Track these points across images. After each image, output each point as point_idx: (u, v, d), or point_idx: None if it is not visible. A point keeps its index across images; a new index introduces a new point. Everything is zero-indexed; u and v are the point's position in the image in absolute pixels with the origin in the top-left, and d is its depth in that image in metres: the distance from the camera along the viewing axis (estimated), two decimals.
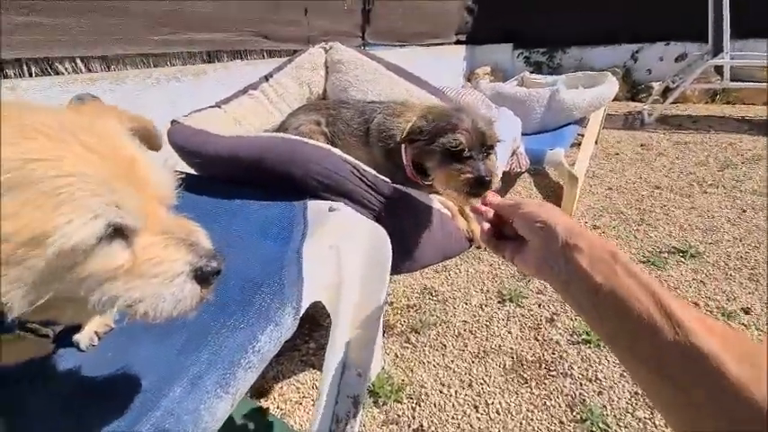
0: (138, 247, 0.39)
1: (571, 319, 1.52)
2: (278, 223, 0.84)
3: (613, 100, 2.60)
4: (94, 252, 0.36)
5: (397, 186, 0.99)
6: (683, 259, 1.84)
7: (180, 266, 0.40)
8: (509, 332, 1.48)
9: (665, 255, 1.88)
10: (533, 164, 1.87)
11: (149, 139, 0.52)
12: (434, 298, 1.68)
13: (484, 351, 1.40)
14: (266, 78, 1.40)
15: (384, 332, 1.49)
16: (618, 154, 3.18)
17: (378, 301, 0.90)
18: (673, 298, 0.36)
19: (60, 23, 1.86)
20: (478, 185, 0.89)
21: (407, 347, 1.44)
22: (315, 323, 1.54)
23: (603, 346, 1.39)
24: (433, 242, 1.08)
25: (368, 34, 3.51)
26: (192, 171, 1.10)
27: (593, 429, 1.13)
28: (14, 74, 1.81)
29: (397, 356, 1.40)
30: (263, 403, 1.24)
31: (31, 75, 1.83)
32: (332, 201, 0.92)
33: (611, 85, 2.41)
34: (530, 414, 1.19)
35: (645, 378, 0.36)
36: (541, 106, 2.23)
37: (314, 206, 0.90)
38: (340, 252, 0.85)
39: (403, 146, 1.07)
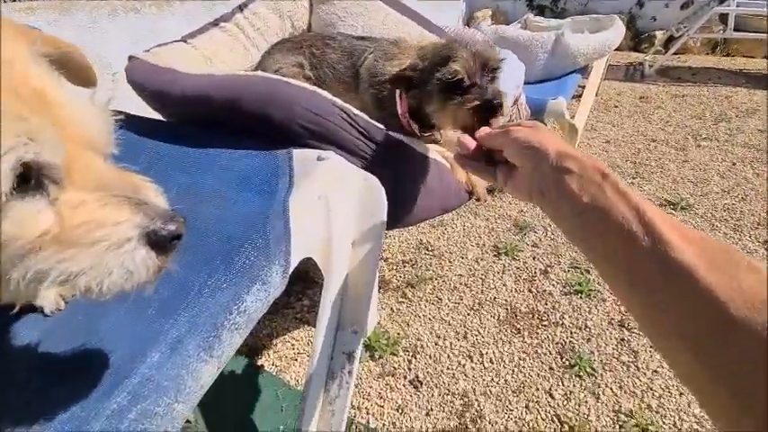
0: (66, 207, 0.31)
1: (564, 272, 1.52)
2: (259, 174, 0.76)
3: (616, 49, 2.47)
4: (5, 212, 0.28)
5: (392, 133, 0.90)
6: (673, 211, 1.85)
7: (126, 230, 0.32)
8: (504, 285, 1.47)
9: None
10: (534, 114, 1.78)
11: (79, 72, 0.42)
12: (430, 253, 1.65)
13: (479, 303, 1.40)
14: (240, 9, 1.23)
15: (380, 288, 1.47)
16: (617, 107, 3.09)
17: (372, 257, 0.85)
18: (657, 212, 0.35)
19: None
20: (488, 110, 0.79)
21: (403, 302, 1.43)
22: (309, 280, 1.51)
23: (593, 296, 1.39)
24: (431, 195, 1.01)
25: None
26: (156, 116, 0.98)
27: (581, 374, 1.15)
28: None
29: (393, 311, 1.39)
30: (258, 361, 1.22)
31: None
32: (320, 149, 0.83)
33: (618, 30, 2.25)
34: (522, 362, 1.20)
35: (622, 288, 0.36)
36: (545, 52, 2.08)
37: (299, 155, 0.81)
38: (329, 204, 0.78)
39: (398, 92, 0.97)
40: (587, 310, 1.36)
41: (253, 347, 1.27)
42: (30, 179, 0.30)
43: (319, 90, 0.87)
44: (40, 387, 0.49)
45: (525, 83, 1.82)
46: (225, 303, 0.59)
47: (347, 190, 0.81)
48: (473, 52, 0.83)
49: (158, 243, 0.34)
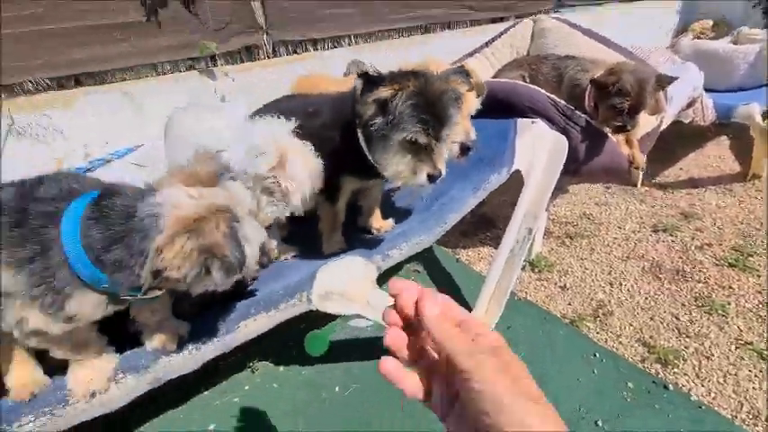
0: None
1: (723, 251, 1.79)
2: (503, 128, 1.55)
3: None
4: None
5: (579, 113, 1.56)
6: None
7: None
8: (655, 249, 1.87)
9: None
10: (721, 118, 2.04)
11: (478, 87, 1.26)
12: (590, 221, 2.16)
13: (627, 256, 1.86)
14: (486, 45, 2.10)
15: (544, 235, 2.08)
16: None
17: (550, 180, 1.53)
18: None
19: (340, 13, 2.93)
20: (621, 129, 1.48)
21: (561, 246, 2.01)
22: (491, 224, 2.24)
23: (748, 271, 1.66)
24: (599, 156, 1.61)
25: None
26: None
27: (711, 312, 1.51)
28: (322, 47, 2.96)
29: (552, 249, 2.00)
30: (456, 255, 2.04)
31: (326, 48, 2.98)
32: (533, 118, 1.57)
33: None
34: (656, 296, 1.64)
35: None
36: (746, 62, 2.23)
37: (521, 121, 1.57)
38: (535, 147, 1.50)
39: (588, 90, 1.61)
40: (736, 278, 1.65)
41: (449, 245, 2.08)
42: None
43: (536, 87, 1.61)
44: None
45: (719, 90, 2.10)
46: (485, 177, 1.39)
47: (545, 141, 1.52)
48: (637, 92, 1.44)
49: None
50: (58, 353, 0.81)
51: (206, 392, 1.40)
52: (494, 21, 3.62)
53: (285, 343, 1.55)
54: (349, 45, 3.01)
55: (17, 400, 0.83)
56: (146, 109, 2.19)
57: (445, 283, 1.85)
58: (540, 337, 1.53)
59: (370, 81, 1.02)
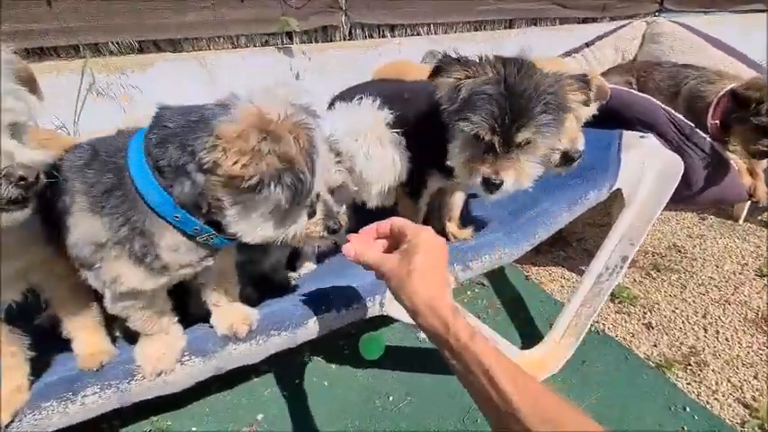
0: None
1: None
2: (606, 137, 1.38)
3: None
4: None
5: (699, 131, 1.36)
6: None
7: None
8: (760, 296, 1.64)
9: None
10: None
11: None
12: (680, 254, 1.93)
13: (726, 301, 1.64)
14: (587, 45, 1.91)
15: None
16: None
17: (656, 205, 1.35)
18: (501, 371, 0.51)
19: (423, 3, 2.81)
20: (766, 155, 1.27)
21: (646, 278, 1.81)
22: (565, 243, 2.06)
23: None
24: (715, 184, 1.41)
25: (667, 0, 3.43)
26: None
27: None
28: (400, 33, 2.87)
29: (636, 281, 1.80)
30: (525, 273, 1.89)
31: (404, 35, 2.88)
32: (642, 132, 1.39)
33: None
34: (761, 351, 1.42)
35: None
36: None
37: (628, 133, 1.40)
38: (644, 165, 1.33)
39: (713, 105, 1.41)
40: None
41: (518, 260, 1.94)
42: None
43: (648, 96, 1.42)
44: None
45: None
46: (583, 192, 1.25)
47: (657, 160, 1.35)
48: None
49: None
50: (136, 322, 0.78)
51: (255, 380, 1.37)
52: (584, 21, 3.36)
53: (338, 342, 1.49)
54: (427, 34, 2.90)
55: (84, 368, 0.81)
56: (218, 80, 2.20)
57: (512, 300, 1.72)
58: (619, 378, 1.37)
59: (447, 63, 0.91)
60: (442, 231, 1.40)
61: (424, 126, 1.04)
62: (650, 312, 1.63)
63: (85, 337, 0.82)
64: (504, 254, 1.16)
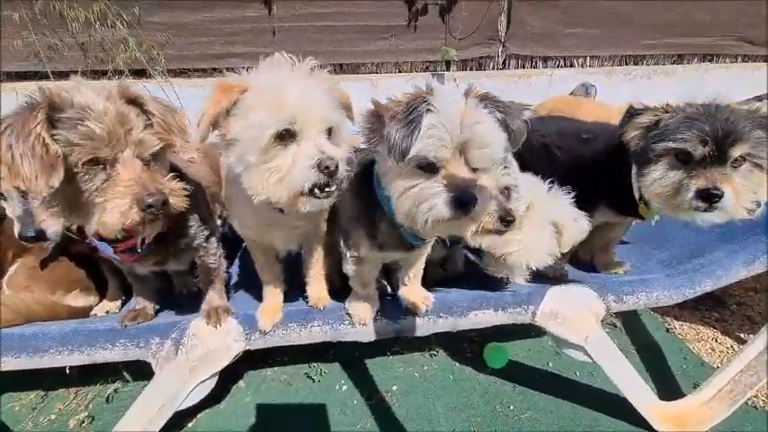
0: None
1: None
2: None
3: None
4: None
5: None
6: None
7: None
8: None
9: None
10: None
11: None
12: None
13: None
14: None
15: None
16: None
17: None
18: None
19: (582, 33, 2.86)
20: None
21: None
22: (720, 303, 1.90)
23: None
24: None
25: None
26: None
27: None
28: (553, 65, 2.96)
29: None
30: (668, 326, 1.81)
31: (557, 66, 2.96)
32: None
33: None
34: None
35: None
36: None
37: None
38: None
39: None
40: None
41: (659, 309, 1.85)
42: None
43: None
44: None
45: None
46: (744, 261, 1.19)
47: None
48: None
49: None
50: (356, 283, 1.09)
51: (390, 357, 1.62)
52: None
53: (462, 343, 1.66)
54: (581, 66, 2.95)
55: (313, 306, 1.13)
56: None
57: (648, 348, 1.68)
58: None
59: (639, 108, 1.01)
60: (588, 261, 1.49)
61: (599, 164, 1.16)
62: None
63: (315, 285, 1.16)
64: (663, 296, 1.20)
